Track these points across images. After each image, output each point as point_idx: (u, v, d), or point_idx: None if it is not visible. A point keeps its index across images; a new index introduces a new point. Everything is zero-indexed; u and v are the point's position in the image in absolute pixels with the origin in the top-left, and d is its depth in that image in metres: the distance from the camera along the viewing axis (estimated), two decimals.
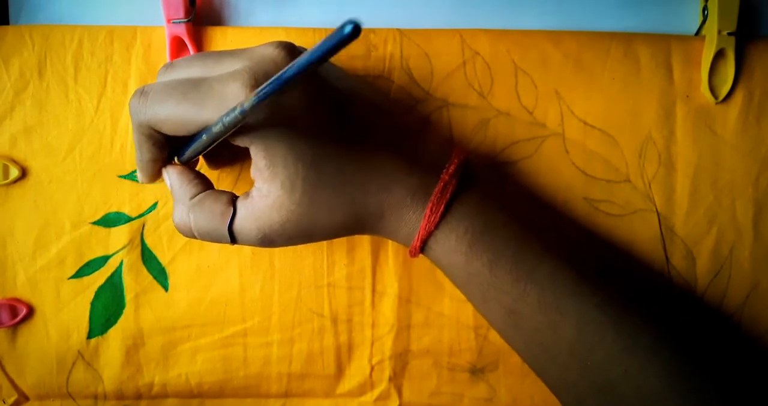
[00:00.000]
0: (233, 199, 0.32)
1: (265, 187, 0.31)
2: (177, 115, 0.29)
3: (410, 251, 0.34)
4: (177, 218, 0.33)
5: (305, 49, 0.33)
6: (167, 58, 0.39)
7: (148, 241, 0.40)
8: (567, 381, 0.33)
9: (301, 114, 0.30)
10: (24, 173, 0.40)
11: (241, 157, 0.39)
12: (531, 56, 0.39)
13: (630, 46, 0.39)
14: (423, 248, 0.33)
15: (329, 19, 0.41)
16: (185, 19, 0.38)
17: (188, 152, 0.32)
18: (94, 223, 0.40)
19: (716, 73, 0.39)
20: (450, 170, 0.33)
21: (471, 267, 0.33)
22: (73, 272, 0.40)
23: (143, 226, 0.40)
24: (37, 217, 0.40)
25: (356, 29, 0.20)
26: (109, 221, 0.40)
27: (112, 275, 0.40)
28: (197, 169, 0.37)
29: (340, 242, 0.40)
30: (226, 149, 0.36)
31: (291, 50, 0.31)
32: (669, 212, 0.40)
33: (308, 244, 0.40)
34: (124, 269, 0.40)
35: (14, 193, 0.40)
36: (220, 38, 0.39)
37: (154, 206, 0.40)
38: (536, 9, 0.41)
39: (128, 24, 0.40)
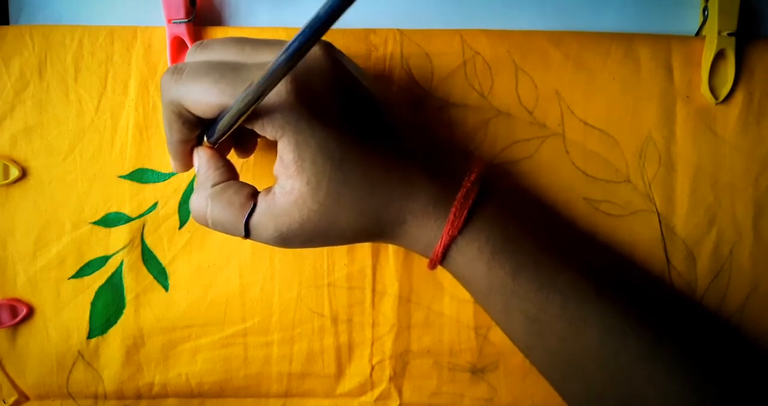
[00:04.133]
0: (255, 194, 0.31)
1: (289, 184, 0.30)
2: (211, 95, 0.28)
3: (430, 261, 0.33)
4: (194, 204, 0.32)
5: (341, 51, 0.33)
6: (167, 59, 0.39)
7: (148, 241, 0.40)
8: (592, 392, 0.33)
9: (329, 104, 0.30)
10: (24, 173, 0.40)
11: (272, 146, 0.38)
12: (531, 56, 0.39)
13: (630, 47, 0.39)
14: (444, 257, 0.33)
15: None
16: (186, 20, 0.38)
17: (217, 129, 0.30)
18: (95, 223, 0.40)
19: (716, 74, 0.39)
20: (471, 178, 0.33)
21: (493, 276, 0.32)
22: (73, 272, 0.40)
23: (143, 226, 0.40)
24: (37, 217, 0.40)
25: None
26: (109, 221, 0.40)
27: (113, 275, 0.40)
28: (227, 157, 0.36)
29: None
30: (255, 137, 0.35)
31: (330, 46, 0.31)
32: (669, 212, 0.40)
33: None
34: (125, 269, 0.40)
35: (14, 194, 0.40)
36: None
37: (154, 206, 0.40)
38: (536, 9, 0.41)
39: (128, 24, 0.40)
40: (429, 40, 0.39)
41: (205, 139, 0.32)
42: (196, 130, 0.31)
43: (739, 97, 0.39)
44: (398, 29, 0.40)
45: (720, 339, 0.40)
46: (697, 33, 0.40)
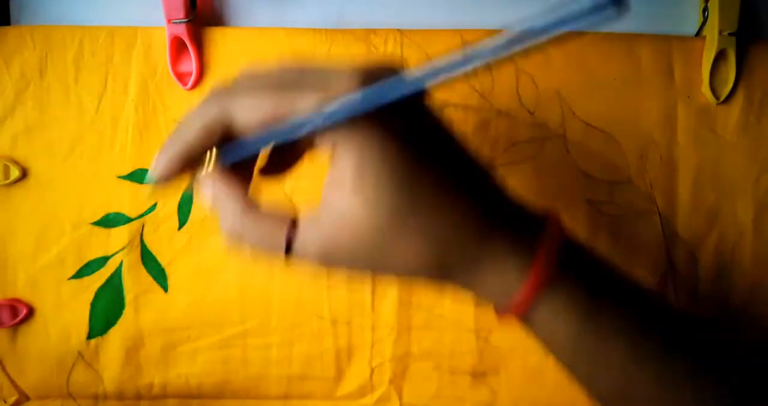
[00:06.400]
0: (294, 210, 0.28)
1: (343, 203, 0.26)
2: (272, 101, 0.25)
3: (515, 307, 0.28)
4: (228, 223, 0.28)
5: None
6: (167, 59, 0.39)
7: (147, 242, 0.40)
8: None
9: (401, 120, 0.26)
10: (24, 174, 0.40)
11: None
12: (532, 56, 0.39)
13: (631, 47, 0.39)
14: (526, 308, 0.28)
15: (329, 19, 0.41)
16: (185, 20, 0.38)
17: (265, 141, 0.26)
18: (94, 223, 0.40)
19: (717, 74, 0.39)
20: (552, 223, 0.29)
21: (581, 341, 0.28)
22: (73, 273, 0.40)
23: (143, 226, 0.40)
24: (37, 217, 0.40)
25: None
26: (109, 221, 0.40)
27: (112, 275, 0.40)
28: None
29: None
30: (291, 150, 0.31)
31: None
32: (671, 212, 0.39)
33: None
34: (124, 269, 0.40)
35: (15, 194, 0.40)
36: (220, 38, 0.39)
37: (154, 206, 0.40)
38: (537, 9, 0.41)
39: (129, 24, 0.40)
40: (429, 40, 0.39)
41: (210, 164, 0.28)
42: (209, 147, 0.27)
43: (739, 97, 0.39)
44: (398, 29, 0.39)
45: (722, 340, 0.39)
46: (698, 33, 0.40)
